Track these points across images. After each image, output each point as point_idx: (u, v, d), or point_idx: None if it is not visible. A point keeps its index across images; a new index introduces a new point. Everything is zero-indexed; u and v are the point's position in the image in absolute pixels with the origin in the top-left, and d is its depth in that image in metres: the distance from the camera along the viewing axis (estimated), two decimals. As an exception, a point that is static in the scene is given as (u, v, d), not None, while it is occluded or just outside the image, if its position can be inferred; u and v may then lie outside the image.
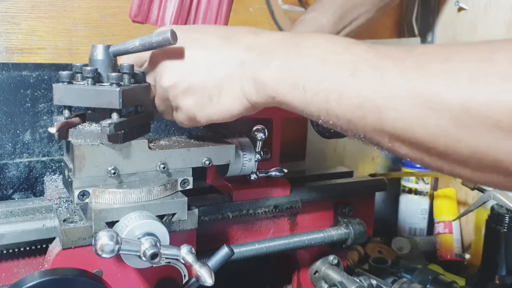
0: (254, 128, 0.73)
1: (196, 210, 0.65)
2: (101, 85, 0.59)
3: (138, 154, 0.62)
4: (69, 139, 0.60)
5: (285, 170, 0.78)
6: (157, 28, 0.69)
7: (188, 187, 0.66)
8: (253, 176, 0.76)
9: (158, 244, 0.55)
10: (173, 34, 0.58)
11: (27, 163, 0.84)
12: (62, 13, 0.88)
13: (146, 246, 0.54)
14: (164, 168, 0.63)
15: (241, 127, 0.82)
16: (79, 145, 0.58)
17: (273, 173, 0.77)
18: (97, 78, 0.60)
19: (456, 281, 0.91)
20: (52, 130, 0.58)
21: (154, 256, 0.54)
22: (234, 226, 0.79)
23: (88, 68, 0.58)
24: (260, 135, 0.73)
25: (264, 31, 0.59)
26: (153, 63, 0.63)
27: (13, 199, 0.84)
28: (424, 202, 1.25)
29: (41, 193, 0.83)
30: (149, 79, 0.65)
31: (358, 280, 0.82)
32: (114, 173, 0.60)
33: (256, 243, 0.78)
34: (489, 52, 0.39)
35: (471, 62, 0.40)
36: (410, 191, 1.25)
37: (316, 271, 0.88)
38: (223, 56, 0.58)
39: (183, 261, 0.57)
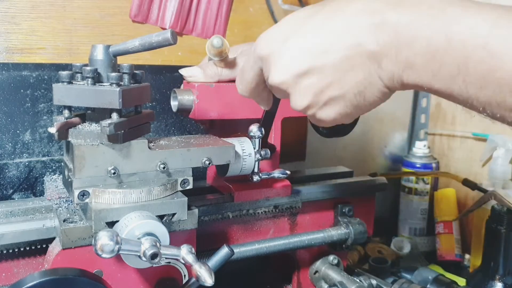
0: (251, 127, 0.72)
1: (196, 210, 0.65)
2: (101, 85, 0.59)
3: (138, 154, 0.62)
4: (69, 139, 0.60)
5: (288, 172, 0.77)
6: (157, 28, 0.69)
7: (188, 187, 0.66)
8: (255, 178, 0.75)
9: (158, 244, 0.55)
10: (173, 34, 0.58)
11: (27, 163, 0.84)
12: (62, 13, 0.87)
13: (146, 246, 0.54)
14: (164, 168, 0.63)
15: (241, 127, 0.82)
16: (79, 145, 0.58)
17: (276, 175, 0.77)
18: (97, 78, 0.60)
19: (456, 281, 0.91)
20: (52, 130, 0.58)
21: (154, 256, 0.54)
22: (234, 226, 0.79)
23: (88, 68, 0.58)
24: (257, 133, 0.72)
25: None
26: None
27: (13, 199, 0.84)
28: (424, 202, 1.25)
29: (41, 193, 0.83)
30: None
31: (358, 280, 0.82)
32: (114, 173, 0.60)
33: (256, 243, 0.78)
34: None
35: None
36: (410, 191, 1.25)
37: (316, 271, 0.88)
38: None
39: (183, 261, 0.57)
